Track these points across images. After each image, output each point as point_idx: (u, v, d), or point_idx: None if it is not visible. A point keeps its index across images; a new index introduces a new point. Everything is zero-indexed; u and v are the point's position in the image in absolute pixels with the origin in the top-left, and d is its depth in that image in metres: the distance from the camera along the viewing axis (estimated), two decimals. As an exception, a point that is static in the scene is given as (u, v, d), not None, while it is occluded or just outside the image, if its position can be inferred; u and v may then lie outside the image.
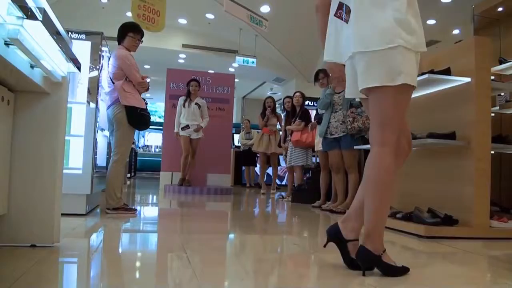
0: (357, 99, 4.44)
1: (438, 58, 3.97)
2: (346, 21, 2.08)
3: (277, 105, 9.26)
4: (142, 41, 4.33)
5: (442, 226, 3.31)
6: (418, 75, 3.71)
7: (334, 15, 2.17)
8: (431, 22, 11.28)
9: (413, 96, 4.11)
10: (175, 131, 7.72)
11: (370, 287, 1.84)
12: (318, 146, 5.96)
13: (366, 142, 5.51)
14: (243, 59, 12.72)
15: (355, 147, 5.05)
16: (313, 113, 7.31)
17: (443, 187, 3.69)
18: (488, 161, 3.42)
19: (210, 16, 13.01)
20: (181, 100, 7.76)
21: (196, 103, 7.67)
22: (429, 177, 3.89)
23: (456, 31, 11.60)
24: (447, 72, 3.61)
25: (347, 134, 5.18)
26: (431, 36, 12.06)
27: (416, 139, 3.67)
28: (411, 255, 2.85)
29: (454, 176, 3.58)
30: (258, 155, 8.92)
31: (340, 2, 2.13)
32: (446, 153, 3.68)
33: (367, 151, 6.04)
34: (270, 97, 8.65)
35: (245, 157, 10.60)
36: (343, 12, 2.10)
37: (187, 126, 7.56)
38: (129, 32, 4.21)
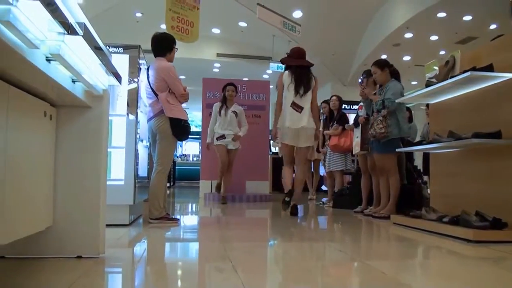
0: (378, 102, 4.62)
1: (479, 55, 3.84)
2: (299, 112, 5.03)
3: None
4: None
5: (490, 230, 3.18)
6: (460, 73, 3.62)
7: (290, 106, 5.11)
8: (467, 18, 11.00)
9: (455, 95, 4.04)
10: (207, 141, 7.15)
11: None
12: (356, 150, 5.87)
13: (409, 144, 5.39)
14: (277, 65, 12.69)
15: (397, 149, 4.93)
16: (351, 116, 7.22)
17: (490, 189, 3.56)
18: (537, 160, 3.28)
19: (243, 24, 13.09)
20: (216, 107, 6.99)
21: (233, 111, 6.89)
22: (475, 178, 3.76)
23: (493, 26, 11.26)
24: (490, 68, 3.49)
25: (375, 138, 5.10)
26: (467, 32, 11.77)
27: (460, 140, 3.56)
28: (460, 260, 2.76)
29: (502, 177, 3.44)
30: None
31: (293, 101, 5.07)
32: (492, 153, 3.55)
33: (408, 154, 5.90)
34: None
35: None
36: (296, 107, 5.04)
37: (223, 136, 6.84)
38: (174, 44, 4.30)
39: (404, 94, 4.92)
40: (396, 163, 5.02)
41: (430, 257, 3.03)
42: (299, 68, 5.20)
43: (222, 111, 6.89)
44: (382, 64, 5.24)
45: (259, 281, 2.12)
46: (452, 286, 1.94)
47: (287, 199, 5.19)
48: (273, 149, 12.69)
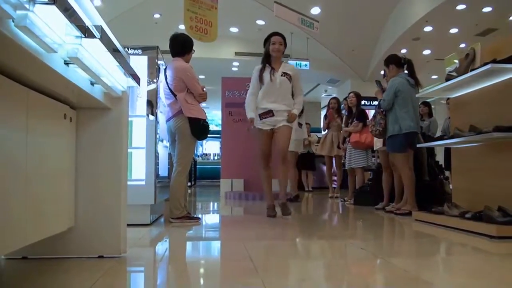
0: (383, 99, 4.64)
1: (499, 47, 3.78)
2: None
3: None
4: None
5: (515, 225, 3.13)
6: (480, 66, 3.56)
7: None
8: (487, 9, 10.79)
9: (475, 88, 3.98)
10: (249, 117, 4.78)
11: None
12: (377, 145, 5.82)
13: (429, 140, 5.33)
14: (296, 63, 12.68)
15: (417, 145, 4.89)
16: (371, 112, 7.16)
17: (514, 183, 3.49)
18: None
19: (260, 22, 13.09)
20: (257, 70, 4.88)
21: (285, 74, 4.73)
22: (498, 173, 3.69)
23: (513, 17, 11.05)
24: (511, 60, 3.42)
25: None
26: (487, 24, 11.56)
27: (481, 134, 3.51)
28: (484, 257, 2.71)
29: (526, 171, 3.38)
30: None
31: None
32: (515, 147, 3.48)
33: (429, 149, 5.84)
34: (334, 97, 8.52)
35: (303, 160, 10.18)
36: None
37: (270, 113, 4.69)
38: (192, 47, 4.33)
39: (424, 88, 4.86)
40: (405, 160, 4.95)
41: (452, 254, 2.99)
42: None
43: (266, 75, 4.73)
44: (387, 62, 5.26)
45: (279, 280, 2.12)
46: (476, 284, 1.91)
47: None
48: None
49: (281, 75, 4.71)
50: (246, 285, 1.91)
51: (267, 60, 4.85)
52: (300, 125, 7.38)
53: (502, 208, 3.29)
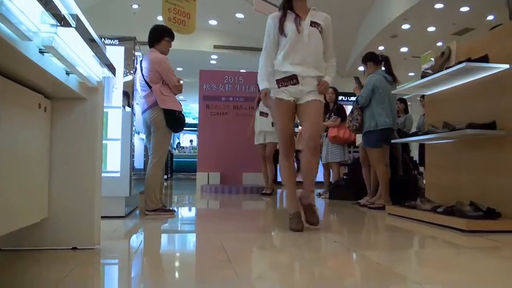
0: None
1: (474, 46, 3.85)
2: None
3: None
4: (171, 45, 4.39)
5: (485, 220, 3.20)
6: (455, 64, 3.63)
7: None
8: (464, 9, 10.96)
9: (451, 86, 4.05)
10: (263, 87, 3.42)
11: (415, 284, 1.80)
12: (359, 141, 5.88)
13: (404, 135, 5.41)
14: (275, 57, 12.67)
15: (392, 141, 4.97)
16: (349, 108, 7.23)
17: (484, 179, 3.58)
18: (532, 150, 3.30)
19: (240, 15, 13.05)
20: (274, 17, 3.46)
21: (314, 23, 3.38)
22: (470, 169, 3.78)
23: (490, 17, 11.23)
24: (485, 59, 3.49)
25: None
26: (465, 23, 11.74)
27: (455, 131, 3.58)
28: (454, 250, 2.78)
29: (496, 168, 3.46)
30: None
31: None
32: (487, 144, 3.57)
33: (404, 145, 5.92)
34: None
35: None
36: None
37: (293, 79, 3.31)
38: (166, 37, 4.27)
39: (401, 85, 4.92)
40: (381, 155, 5.02)
41: (424, 247, 3.05)
42: None
43: (290, 25, 3.35)
44: (365, 59, 5.38)
45: (251, 270, 2.14)
46: (446, 276, 1.96)
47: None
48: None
49: (310, 25, 3.34)
50: (220, 276, 1.92)
51: (289, 4, 3.42)
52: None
53: (474, 203, 3.37)
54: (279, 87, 3.36)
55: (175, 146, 20.58)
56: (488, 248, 2.78)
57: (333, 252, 2.68)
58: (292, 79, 3.31)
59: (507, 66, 3.38)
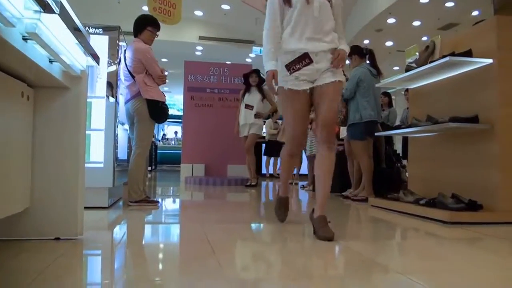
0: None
1: (459, 41, 3.89)
2: None
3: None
4: (158, 35, 4.34)
5: (466, 212, 3.26)
6: (439, 58, 3.66)
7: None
8: (449, 4, 11.06)
9: (434, 80, 4.08)
10: (268, 69, 2.86)
11: (396, 274, 1.82)
12: (343, 134, 5.91)
13: (388, 128, 5.45)
14: (260, 49, 12.66)
15: (376, 134, 5.01)
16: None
17: (466, 172, 3.63)
18: (513, 144, 3.36)
19: (225, 7, 12.98)
20: None
21: None
22: (452, 162, 3.83)
23: (475, 13, 11.35)
24: (469, 54, 3.54)
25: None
26: (450, 18, 11.84)
27: (438, 124, 3.62)
28: (436, 241, 2.81)
29: (478, 161, 3.52)
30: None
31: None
32: (469, 137, 3.62)
33: (387, 138, 5.97)
34: None
35: (271, 147, 10.35)
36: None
37: (305, 58, 2.78)
38: (148, 26, 4.22)
39: (385, 79, 4.96)
40: (365, 148, 5.07)
41: (406, 238, 3.09)
42: None
43: None
44: (350, 52, 5.33)
45: (234, 260, 2.16)
46: (427, 266, 1.99)
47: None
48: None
49: None
50: (203, 266, 1.92)
51: None
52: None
53: (455, 195, 3.42)
54: (291, 73, 2.78)
55: (160, 138, 20.51)
56: (469, 239, 2.82)
57: (315, 243, 2.70)
58: (304, 59, 2.76)
59: (490, 61, 3.42)
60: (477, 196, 3.35)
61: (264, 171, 11.22)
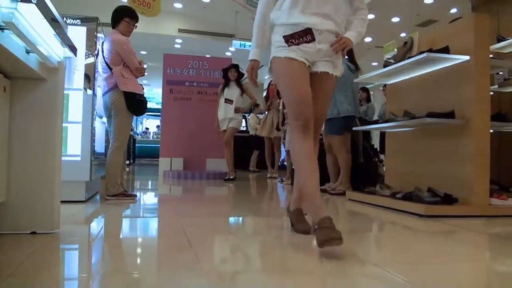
0: None
1: (437, 37, 3.94)
2: None
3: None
4: (136, 27, 4.29)
5: (442, 205, 3.32)
6: (416, 54, 3.71)
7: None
8: (428, 1, 11.19)
9: (411, 76, 4.13)
10: (251, 58, 2.62)
11: (372, 266, 1.84)
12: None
13: (365, 123, 5.50)
14: (240, 43, 12.65)
15: (353, 128, 5.06)
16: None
17: (442, 167, 3.70)
18: (487, 139, 3.43)
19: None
20: None
21: None
22: (429, 157, 3.89)
23: (453, 10, 11.50)
24: (446, 50, 3.59)
25: None
26: (428, 15, 11.97)
27: (415, 119, 3.67)
28: (412, 234, 2.86)
29: (454, 155, 3.58)
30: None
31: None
32: (445, 132, 3.68)
33: (365, 133, 6.02)
34: None
35: (256, 141, 10.14)
36: None
37: (307, 34, 2.35)
38: (125, 17, 4.16)
39: (363, 74, 5.00)
40: (343, 142, 5.12)
41: (383, 231, 3.13)
42: None
43: None
44: None
45: (212, 253, 2.18)
46: (404, 258, 2.02)
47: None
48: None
49: None
50: (180, 259, 1.92)
51: None
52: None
53: (431, 189, 3.48)
54: (289, 45, 2.38)
55: (143, 131, 20.33)
56: (445, 232, 2.88)
57: (293, 236, 2.72)
58: (306, 35, 2.37)
59: (467, 57, 3.48)
60: (452, 190, 3.41)
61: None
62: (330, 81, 2.48)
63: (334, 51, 2.42)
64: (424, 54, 3.53)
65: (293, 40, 2.37)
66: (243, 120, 8.64)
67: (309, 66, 2.41)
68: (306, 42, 2.37)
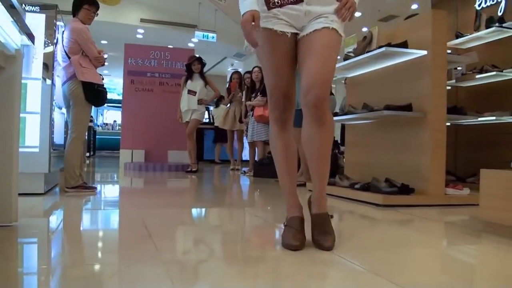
0: None
1: (396, 32, 4.03)
2: None
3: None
4: (98, 14, 4.21)
5: (399, 195, 3.42)
6: (376, 48, 3.80)
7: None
8: (390, -4, 11.42)
9: (370, 70, 4.22)
10: (244, 10, 1.89)
11: (329, 254, 1.89)
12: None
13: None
14: (203, 34, 12.58)
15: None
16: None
17: (400, 158, 3.80)
18: (443, 131, 3.55)
19: (168, -11, 12.76)
20: None
21: None
22: (387, 148, 4.00)
23: (414, 6, 11.75)
24: (404, 45, 3.68)
25: None
26: (390, 11, 12.20)
27: (373, 111, 3.76)
28: (369, 223, 2.95)
29: (411, 147, 3.69)
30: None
31: None
32: (403, 124, 3.78)
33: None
34: (236, 72, 8.60)
35: (221, 134, 9.96)
36: None
37: None
38: (85, 4, 4.08)
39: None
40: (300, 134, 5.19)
41: (342, 220, 3.20)
42: None
43: None
44: None
45: (172, 244, 2.19)
46: (359, 245, 2.08)
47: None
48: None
49: None
50: (140, 250, 1.92)
51: None
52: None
53: (389, 180, 3.58)
54: (270, 8, 1.97)
55: (99, 123, 19.93)
56: (401, 220, 2.98)
57: (254, 226, 2.76)
58: None
59: (425, 52, 3.58)
60: (409, 180, 3.52)
61: (209, 156, 11.17)
62: (324, 35, 1.97)
63: (341, 18, 2.06)
64: (383, 48, 3.61)
65: (275, 1, 1.95)
66: (206, 112, 8.60)
67: (295, 34, 2.02)
68: (291, 3, 1.95)
